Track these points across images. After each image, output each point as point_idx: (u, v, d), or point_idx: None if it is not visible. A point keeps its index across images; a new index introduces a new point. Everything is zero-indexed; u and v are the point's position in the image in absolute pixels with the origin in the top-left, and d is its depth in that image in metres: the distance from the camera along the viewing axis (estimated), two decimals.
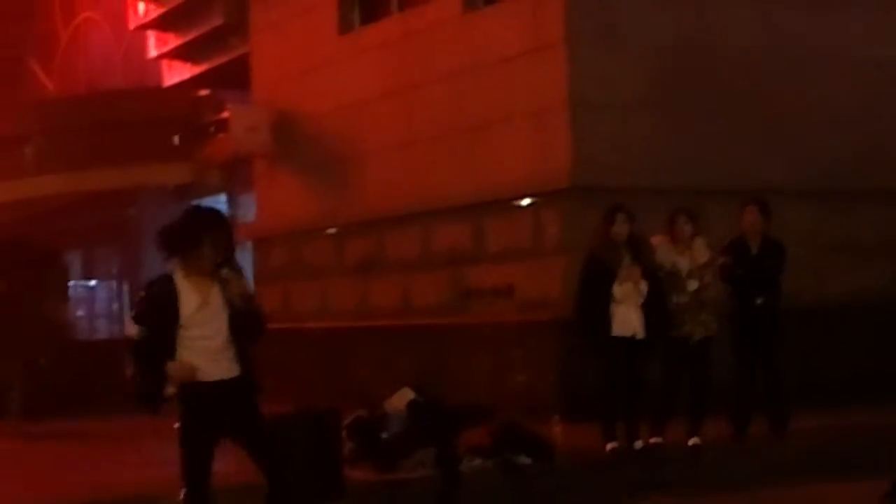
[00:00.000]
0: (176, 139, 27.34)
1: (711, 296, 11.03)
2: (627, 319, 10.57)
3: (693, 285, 10.86)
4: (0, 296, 15.58)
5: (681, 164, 13.93)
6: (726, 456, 10.97)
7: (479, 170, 14.70)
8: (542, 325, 13.46)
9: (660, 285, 10.70)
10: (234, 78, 21.19)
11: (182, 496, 6.85)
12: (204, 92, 26.24)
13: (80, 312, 25.74)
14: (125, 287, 33.09)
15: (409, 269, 15.97)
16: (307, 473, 9.38)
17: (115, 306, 34.05)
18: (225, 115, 20.06)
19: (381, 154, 16.54)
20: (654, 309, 10.62)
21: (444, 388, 11.89)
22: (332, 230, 17.61)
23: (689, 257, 10.92)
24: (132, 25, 25.58)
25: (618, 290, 10.53)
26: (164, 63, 25.25)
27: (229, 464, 7.27)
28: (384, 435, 10.64)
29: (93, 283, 34.24)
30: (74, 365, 16.08)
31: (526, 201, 14.14)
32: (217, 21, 21.52)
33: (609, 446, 10.72)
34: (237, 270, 7.03)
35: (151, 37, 25.03)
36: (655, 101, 14.03)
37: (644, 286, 10.57)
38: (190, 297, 6.88)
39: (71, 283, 24.03)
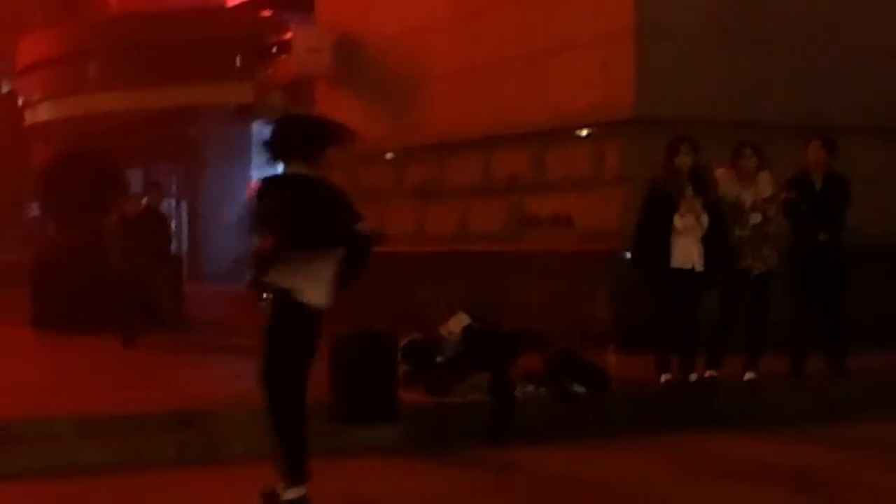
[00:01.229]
0: (238, 59, 27.34)
1: (774, 230, 10.92)
2: (687, 252, 10.48)
3: (756, 219, 10.75)
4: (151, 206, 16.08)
5: (746, 97, 13.74)
6: (782, 392, 10.94)
7: (542, 98, 14.58)
8: (600, 255, 13.39)
9: (721, 218, 10.60)
10: None
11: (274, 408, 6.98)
12: (267, 12, 26.16)
13: None
14: (184, 205, 33.34)
15: (468, 195, 15.92)
16: (362, 394, 9.48)
17: (174, 224, 34.31)
18: (288, 36, 19.99)
19: (443, 79, 16.45)
20: (714, 242, 10.53)
21: (499, 315, 11.87)
22: (391, 154, 17.58)
23: (753, 191, 10.80)
24: None
25: (679, 221, 10.44)
26: None
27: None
28: (439, 359, 10.67)
29: None
30: None
31: (587, 131, 14.03)
32: None
33: (663, 378, 10.69)
34: None
35: None
36: (722, 33, 13.82)
37: (705, 219, 10.48)
38: None
39: None
